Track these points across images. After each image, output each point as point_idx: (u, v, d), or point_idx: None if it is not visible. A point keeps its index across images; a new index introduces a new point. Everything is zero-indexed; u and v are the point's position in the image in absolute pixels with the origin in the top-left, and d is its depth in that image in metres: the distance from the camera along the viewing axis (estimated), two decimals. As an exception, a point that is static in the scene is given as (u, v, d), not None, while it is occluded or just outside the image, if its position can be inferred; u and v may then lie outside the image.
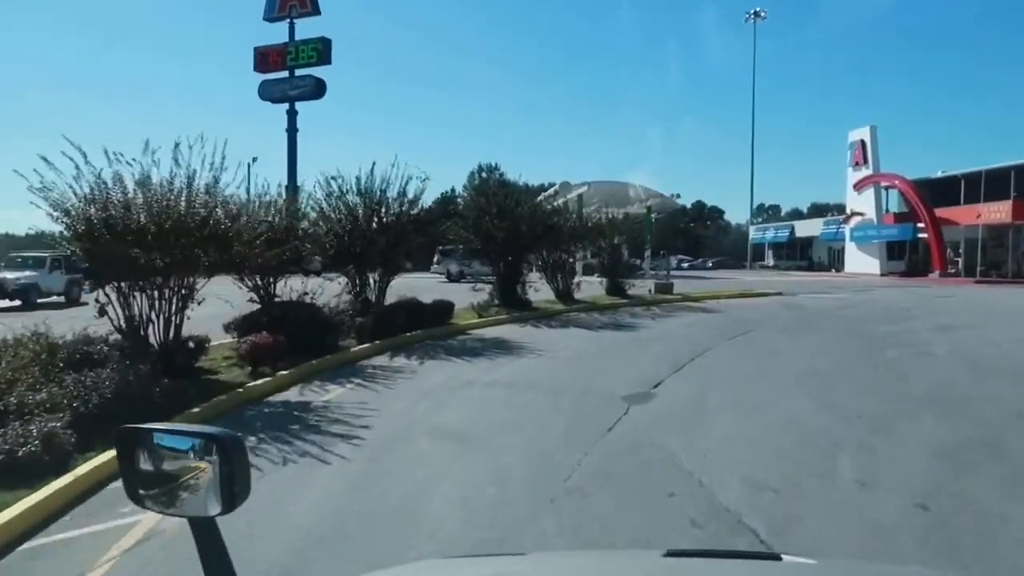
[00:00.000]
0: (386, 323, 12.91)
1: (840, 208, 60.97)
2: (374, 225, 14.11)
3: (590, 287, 22.25)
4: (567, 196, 30.02)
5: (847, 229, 52.12)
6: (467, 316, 16.86)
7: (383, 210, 14.23)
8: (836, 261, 61.16)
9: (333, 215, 14.13)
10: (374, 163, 14.20)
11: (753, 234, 76.69)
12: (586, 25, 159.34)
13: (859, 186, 50.24)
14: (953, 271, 42.35)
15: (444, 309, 15.41)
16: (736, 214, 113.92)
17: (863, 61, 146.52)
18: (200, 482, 1.24)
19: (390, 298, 14.63)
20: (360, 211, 14.17)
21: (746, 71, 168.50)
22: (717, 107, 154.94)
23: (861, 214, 50.03)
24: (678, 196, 46.48)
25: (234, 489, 1.19)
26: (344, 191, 14.12)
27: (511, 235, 18.26)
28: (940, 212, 43.11)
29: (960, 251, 43.74)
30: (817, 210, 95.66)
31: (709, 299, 23.99)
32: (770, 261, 73.25)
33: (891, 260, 49.08)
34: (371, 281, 14.55)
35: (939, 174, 48.76)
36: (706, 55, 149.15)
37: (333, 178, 14.06)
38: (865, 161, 49.59)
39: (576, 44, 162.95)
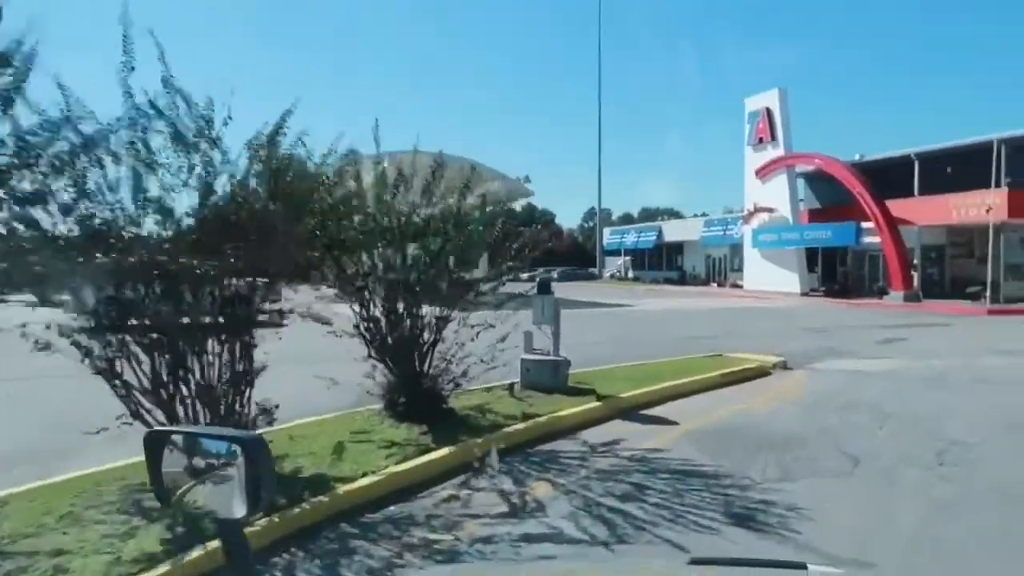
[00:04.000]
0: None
1: (675, 215, 49.35)
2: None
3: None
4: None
5: (748, 230, 39.15)
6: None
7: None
8: (718, 272, 48.72)
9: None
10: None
11: (609, 238, 63.45)
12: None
13: (764, 171, 37.35)
14: (912, 291, 30.03)
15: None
16: (567, 218, 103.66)
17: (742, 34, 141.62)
18: (227, 485, 1.25)
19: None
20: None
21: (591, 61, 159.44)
22: (564, 100, 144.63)
23: (769, 210, 37.14)
24: (527, 180, 29.57)
25: (260, 492, 1.21)
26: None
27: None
28: (891, 206, 30.65)
29: (915, 261, 31.61)
30: (648, 215, 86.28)
31: (664, 396, 8.95)
32: (627, 271, 60.29)
33: (810, 273, 36.62)
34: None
35: (856, 158, 36.82)
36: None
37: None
38: (772, 137, 36.79)
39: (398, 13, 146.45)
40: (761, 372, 11.82)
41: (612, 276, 60.30)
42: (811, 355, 13.97)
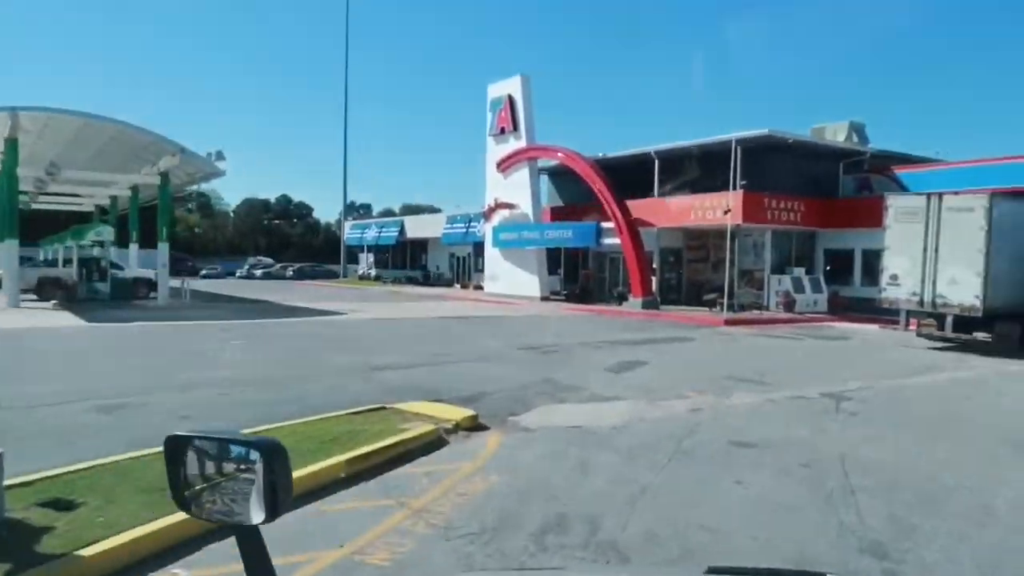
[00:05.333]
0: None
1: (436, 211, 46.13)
2: None
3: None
4: None
5: (489, 228, 35.94)
6: None
7: None
8: (463, 273, 45.46)
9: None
10: None
11: (349, 233, 57.99)
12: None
13: (506, 164, 34.31)
14: (651, 297, 28.36)
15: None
16: (327, 211, 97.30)
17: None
18: (245, 490, 1.26)
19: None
20: None
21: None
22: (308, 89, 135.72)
23: (511, 206, 34.13)
24: (220, 156, 23.16)
25: (277, 497, 1.22)
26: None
27: None
28: (631, 207, 28.77)
29: (654, 265, 30.13)
30: (410, 211, 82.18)
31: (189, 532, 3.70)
32: (370, 270, 55.38)
33: (551, 275, 34.17)
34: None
35: (600, 156, 35.11)
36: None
37: None
38: (514, 127, 33.82)
39: None
40: (430, 442, 7.47)
41: (361, 275, 54.96)
42: (522, 396, 10.02)
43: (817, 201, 28.54)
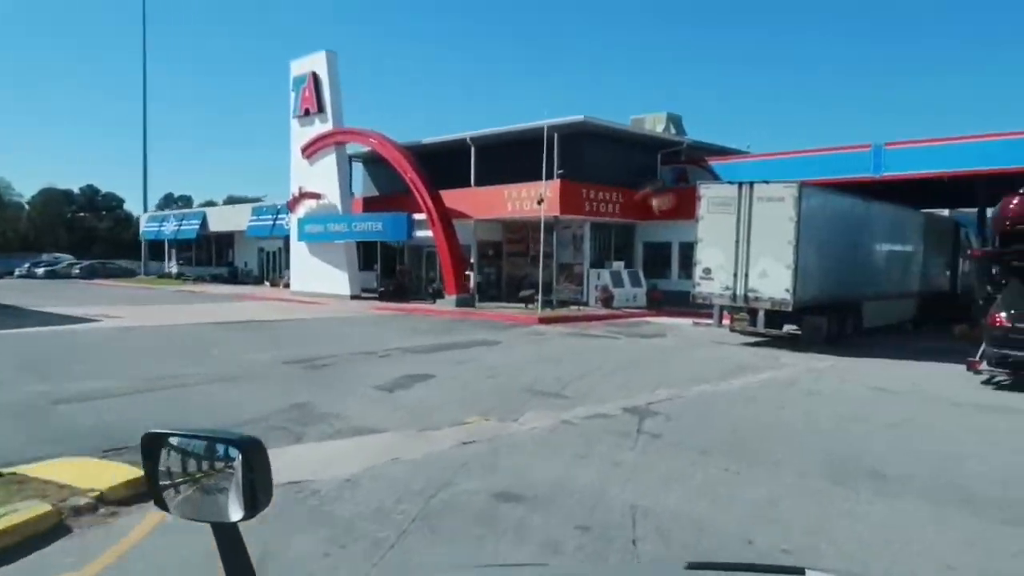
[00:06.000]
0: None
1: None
2: None
3: None
4: None
5: (294, 220, 32.65)
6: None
7: None
8: (273, 270, 41.73)
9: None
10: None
11: (146, 226, 52.17)
12: None
13: (312, 150, 31.18)
14: (467, 295, 26.57)
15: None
16: (140, 204, 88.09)
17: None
18: (223, 487, 1.26)
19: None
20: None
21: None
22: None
23: (317, 195, 31.06)
24: None
25: (256, 495, 1.23)
26: None
27: None
28: (447, 197, 26.76)
29: (472, 260, 28.34)
30: (234, 203, 75.93)
31: None
32: (171, 266, 50.03)
33: (364, 271, 31.52)
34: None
35: (416, 142, 32.85)
36: None
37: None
38: (319, 108, 30.80)
39: None
40: (39, 532, 4.89)
41: (162, 274, 49.28)
42: (262, 430, 7.53)
43: (637, 192, 27.91)
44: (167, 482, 1.31)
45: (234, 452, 1.24)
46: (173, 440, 1.31)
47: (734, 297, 17.01)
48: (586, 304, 25.61)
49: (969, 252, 19.87)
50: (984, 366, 12.45)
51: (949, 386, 12.08)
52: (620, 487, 6.18)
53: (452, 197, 27.34)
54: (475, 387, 10.93)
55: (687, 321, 21.23)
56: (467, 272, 27.14)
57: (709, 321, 18.42)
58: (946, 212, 28.58)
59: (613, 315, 23.20)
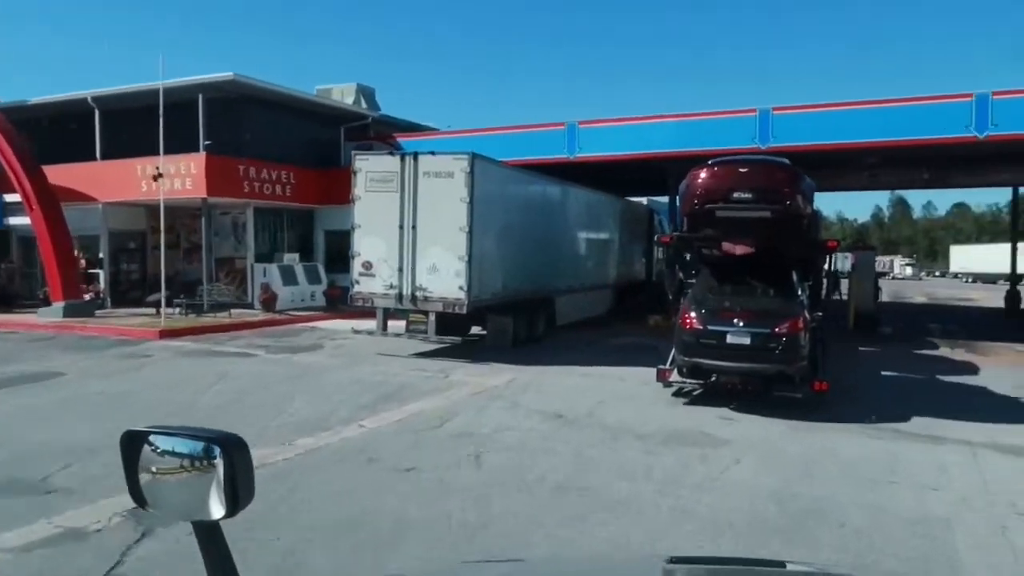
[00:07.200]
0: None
1: None
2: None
3: None
4: None
5: None
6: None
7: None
8: None
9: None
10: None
11: None
12: None
13: None
14: (92, 297, 20.65)
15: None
16: None
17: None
18: (204, 485, 1.23)
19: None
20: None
21: None
22: None
23: None
24: None
25: (238, 492, 1.20)
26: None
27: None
28: (56, 173, 20.42)
29: (101, 255, 22.28)
30: None
31: None
32: None
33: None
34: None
35: (23, 102, 25.30)
36: None
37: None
38: None
39: None
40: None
41: None
42: None
43: (316, 172, 23.78)
44: (148, 480, 1.27)
45: (215, 450, 1.22)
46: (153, 438, 1.28)
47: (400, 298, 13.73)
48: (251, 306, 20.97)
49: (657, 238, 18.62)
50: (675, 376, 10.36)
51: (638, 405, 9.82)
52: None
53: (71, 174, 21.11)
54: None
55: (363, 324, 17.63)
56: (90, 271, 21.17)
57: (372, 326, 14.93)
58: (644, 200, 28.25)
59: (274, 321, 18.91)
